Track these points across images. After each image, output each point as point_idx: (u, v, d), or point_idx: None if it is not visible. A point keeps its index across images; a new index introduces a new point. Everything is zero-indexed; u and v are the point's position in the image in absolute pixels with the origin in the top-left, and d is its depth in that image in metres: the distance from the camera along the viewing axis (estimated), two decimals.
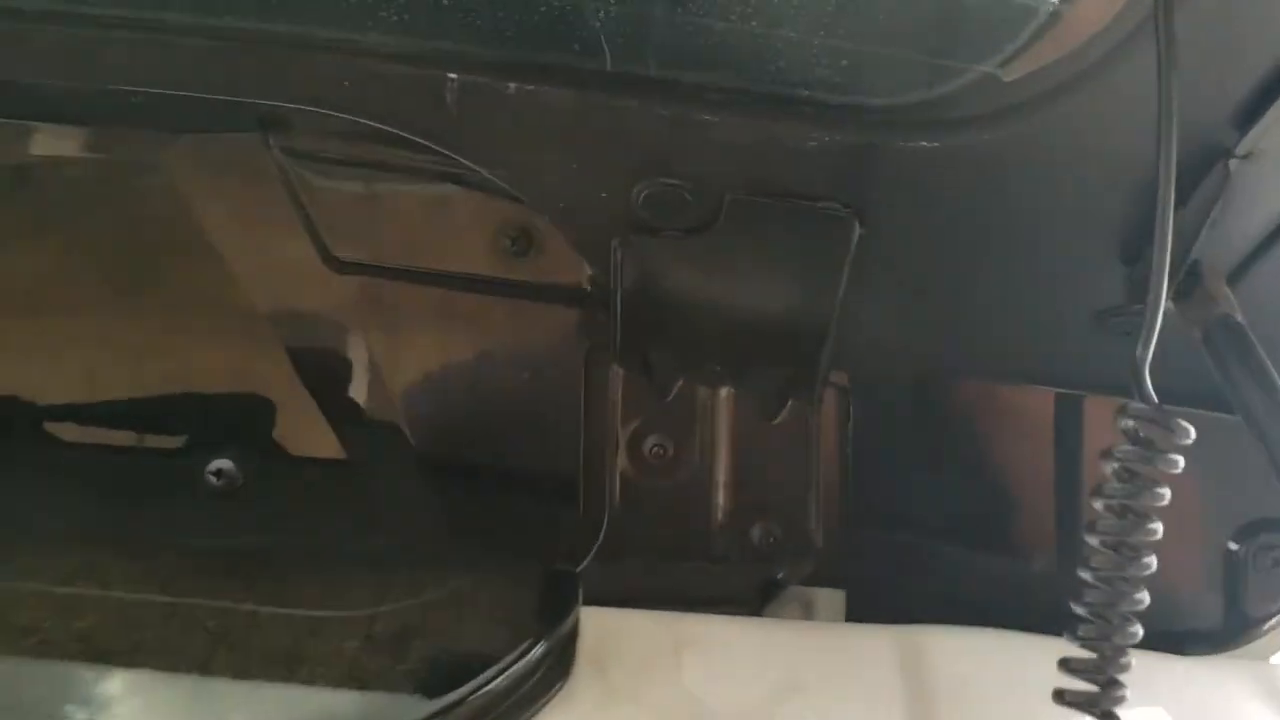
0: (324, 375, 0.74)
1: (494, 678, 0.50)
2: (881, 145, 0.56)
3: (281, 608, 0.53)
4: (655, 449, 0.72)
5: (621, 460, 0.72)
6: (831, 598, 0.73)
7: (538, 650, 0.52)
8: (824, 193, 0.59)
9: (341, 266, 0.72)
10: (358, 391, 0.73)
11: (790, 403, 0.72)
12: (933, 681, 0.57)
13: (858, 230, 0.60)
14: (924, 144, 0.56)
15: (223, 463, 0.71)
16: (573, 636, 0.55)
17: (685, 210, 0.61)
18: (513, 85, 0.57)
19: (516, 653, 0.51)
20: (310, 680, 0.48)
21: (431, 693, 0.49)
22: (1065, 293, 0.63)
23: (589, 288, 0.71)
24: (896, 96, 0.55)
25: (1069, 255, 0.61)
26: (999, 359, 0.68)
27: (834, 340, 0.66)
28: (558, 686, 0.53)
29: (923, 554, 0.72)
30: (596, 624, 0.56)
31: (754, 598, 0.72)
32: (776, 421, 0.72)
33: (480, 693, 0.50)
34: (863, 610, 0.72)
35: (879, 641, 0.60)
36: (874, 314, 0.66)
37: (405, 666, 0.50)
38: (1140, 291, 0.58)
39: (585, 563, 0.72)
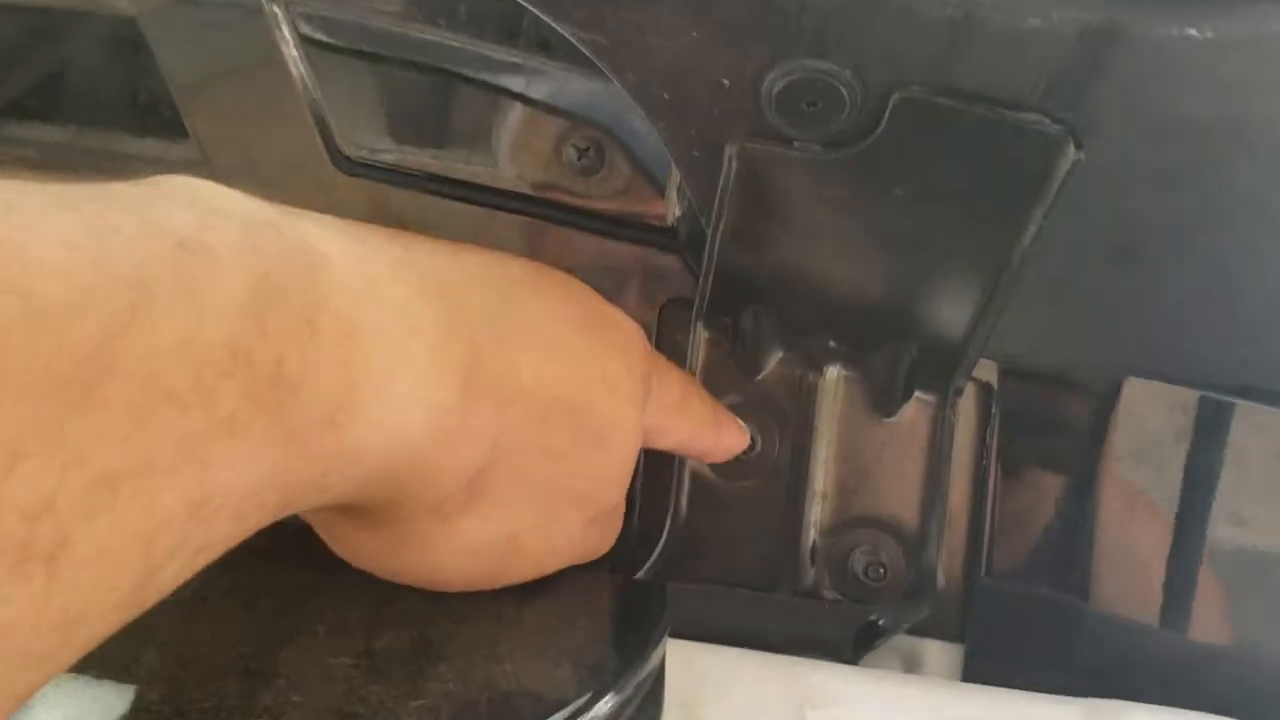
0: None
1: None
2: (1131, 31, 0.41)
3: (238, 602, 0.35)
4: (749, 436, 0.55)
5: None
6: (945, 655, 0.57)
7: (608, 703, 0.35)
8: (1031, 98, 0.43)
9: (352, 168, 0.55)
10: None
11: (918, 396, 0.55)
12: None
13: (1073, 155, 0.44)
14: (1193, 32, 0.40)
15: None
16: (659, 680, 0.38)
17: (834, 111, 0.45)
18: None
19: (577, 704, 0.34)
20: (277, 710, 0.31)
21: None
22: None
23: (675, 222, 0.55)
24: None
25: None
26: (1213, 362, 0.52)
27: (998, 314, 0.50)
28: None
29: (1069, 612, 0.56)
30: (682, 663, 0.40)
31: (846, 645, 0.56)
32: (896, 419, 0.56)
33: None
34: (983, 675, 0.56)
35: (1068, 714, 0.43)
36: (1054, 281, 0.51)
37: (418, 703, 0.32)
38: None
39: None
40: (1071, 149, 0.44)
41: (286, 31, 0.54)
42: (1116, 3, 0.40)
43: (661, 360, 0.47)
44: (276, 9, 0.54)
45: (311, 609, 0.35)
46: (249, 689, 0.31)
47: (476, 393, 0.33)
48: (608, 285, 0.56)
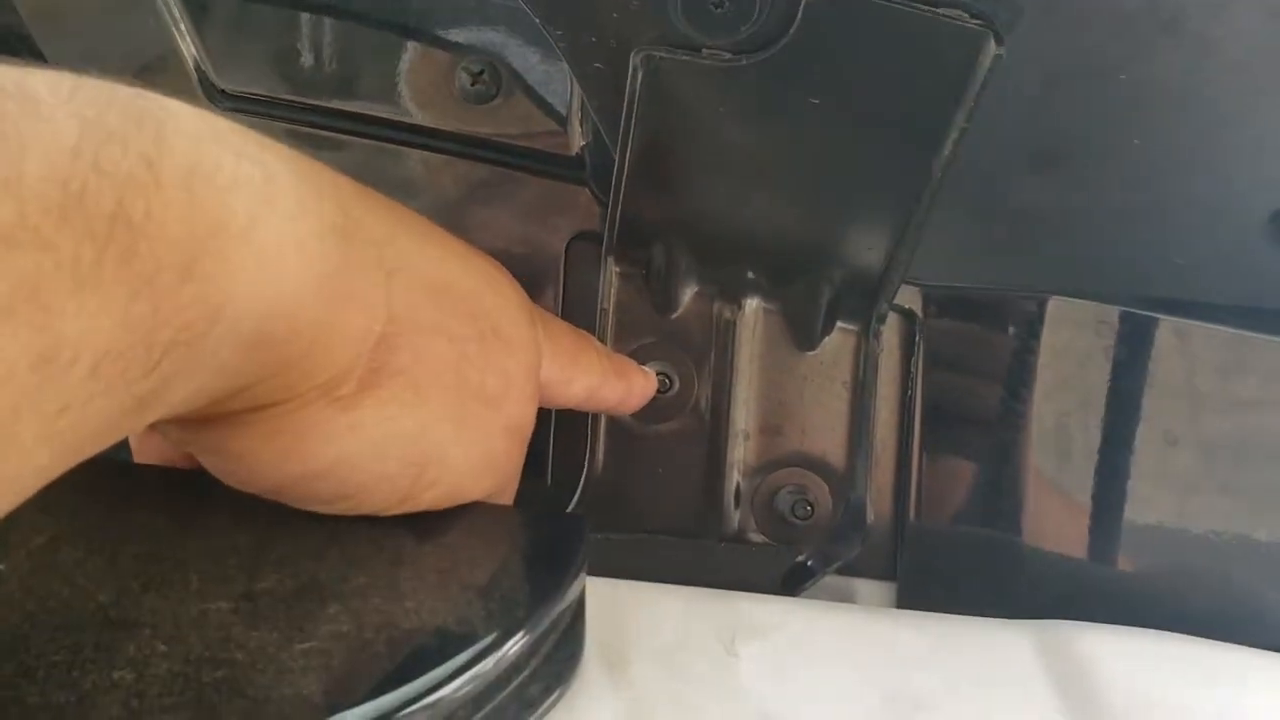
0: None
1: (446, 680, 0.30)
2: None
3: (96, 549, 0.31)
4: (657, 380, 0.52)
5: None
6: (877, 594, 0.54)
7: (519, 640, 0.32)
8: None
9: (228, 102, 0.51)
10: None
11: (840, 327, 0.53)
12: (1105, 698, 0.38)
13: (993, 51, 0.42)
14: None
15: None
16: (577, 616, 0.35)
17: (744, 13, 0.42)
18: None
19: (485, 640, 0.31)
20: (141, 662, 0.27)
21: (342, 694, 0.28)
22: (1249, 171, 0.46)
23: (581, 151, 0.52)
24: None
25: (1270, 111, 0.44)
26: (1137, 276, 0.50)
27: (919, 234, 0.48)
28: (555, 693, 0.33)
29: (1003, 544, 0.54)
30: (604, 601, 0.37)
31: (775, 588, 0.53)
32: (818, 352, 0.53)
33: (420, 705, 0.29)
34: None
35: (1017, 639, 0.41)
36: (975, 197, 0.48)
37: (306, 645, 0.29)
38: None
39: None
40: (992, 45, 0.42)
41: None
42: None
43: (549, 314, 0.45)
44: None
45: (181, 553, 0.31)
46: (109, 640, 0.27)
47: (357, 252, 0.30)
48: (510, 221, 0.53)
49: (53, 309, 0.21)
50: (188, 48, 0.51)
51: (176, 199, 0.24)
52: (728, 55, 0.44)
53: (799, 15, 0.42)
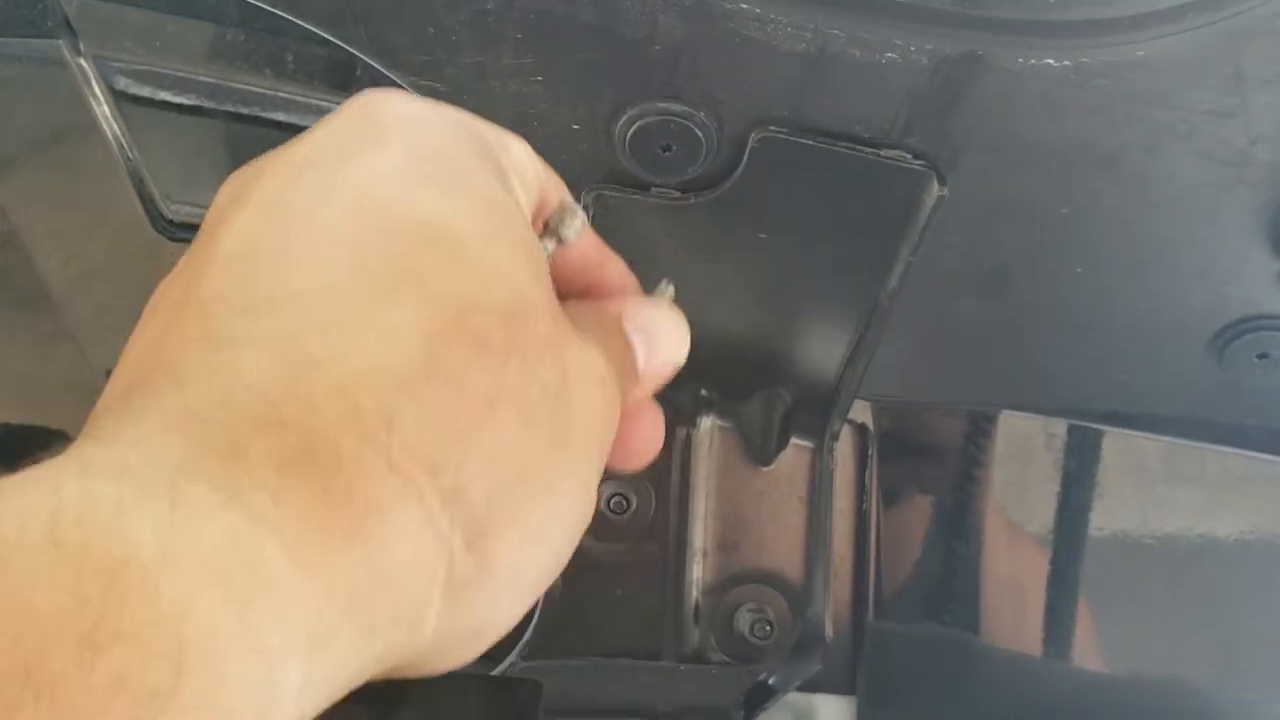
0: None
1: None
2: (989, 61, 0.39)
3: None
4: (612, 500, 0.52)
5: None
6: (838, 709, 0.55)
7: None
8: (892, 133, 0.42)
9: (175, 231, 0.51)
10: None
11: (794, 442, 0.53)
12: None
13: (936, 191, 0.43)
14: (1050, 61, 0.39)
15: None
16: None
17: (691, 154, 0.43)
18: None
19: None
20: None
21: None
22: (1189, 295, 0.47)
23: None
24: None
25: (1205, 240, 0.45)
26: (1083, 391, 0.51)
27: (870, 354, 0.49)
28: None
29: (960, 652, 0.54)
30: None
31: (737, 709, 0.53)
32: (774, 468, 0.54)
33: None
34: None
35: None
36: (924, 318, 0.49)
37: None
38: None
39: (507, 663, 0.52)
40: (935, 185, 0.43)
41: (97, 88, 0.50)
42: (973, 33, 0.39)
43: None
44: (84, 63, 0.49)
45: None
46: None
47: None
48: None
49: None
50: (134, 178, 0.51)
51: (39, 563, 0.19)
52: (676, 194, 0.44)
53: (745, 157, 0.42)
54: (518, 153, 0.32)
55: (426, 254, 0.26)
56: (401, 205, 0.27)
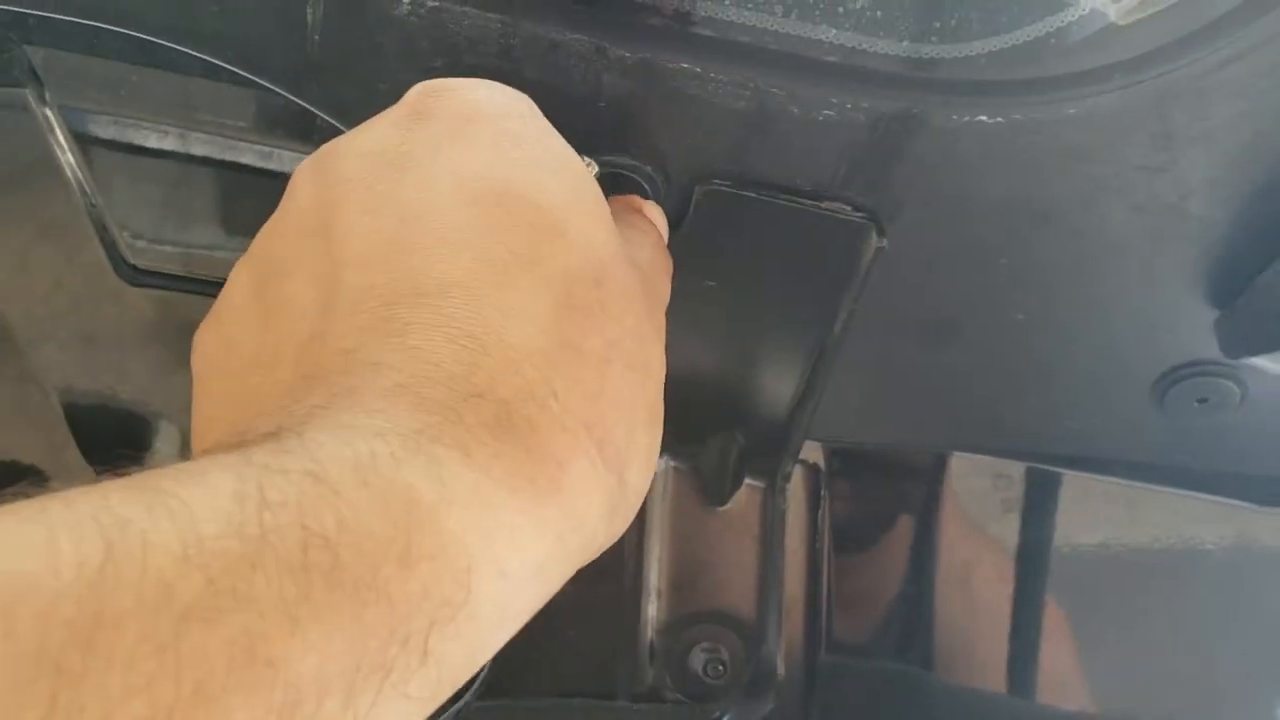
0: (109, 431, 0.53)
1: None
2: (924, 118, 0.40)
3: None
4: None
5: None
6: None
7: None
8: (832, 186, 0.43)
9: (139, 277, 0.52)
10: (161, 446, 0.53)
11: (748, 483, 0.54)
12: None
13: (876, 243, 0.44)
14: (984, 118, 0.40)
15: None
16: None
17: None
18: (406, 1, 0.39)
19: None
20: None
21: None
22: (1129, 342, 0.48)
23: None
24: (957, 44, 0.39)
25: (1142, 290, 0.46)
26: (1033, 435, 0.52)
27: (818, 398, 0.50)
28: None
29: (913, 688, 0.55)
30: None
31: None
32: (727, 508, 0.54)
33: None
34: None
35: None
36: (872, 363, 0.50)
37: None
38: (1245, 342, 0.43)
39: (462, 703, 0.52)
40: (875, 237, 0.44)
41: (61, 135, 0.51)
42: (909, 91, 0.40)
43: None
44: (49, 112, 0.50)
45: None
46: None
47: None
48: None
49: (275, 660, 0.20)
50: (97, 224, 0.51)
51: (359, 497, 0.23)
52: None
53: (690, 209, 0.43)
54: None
55: (533, 237, 0.31)
56: (502, 192, 0.31)
